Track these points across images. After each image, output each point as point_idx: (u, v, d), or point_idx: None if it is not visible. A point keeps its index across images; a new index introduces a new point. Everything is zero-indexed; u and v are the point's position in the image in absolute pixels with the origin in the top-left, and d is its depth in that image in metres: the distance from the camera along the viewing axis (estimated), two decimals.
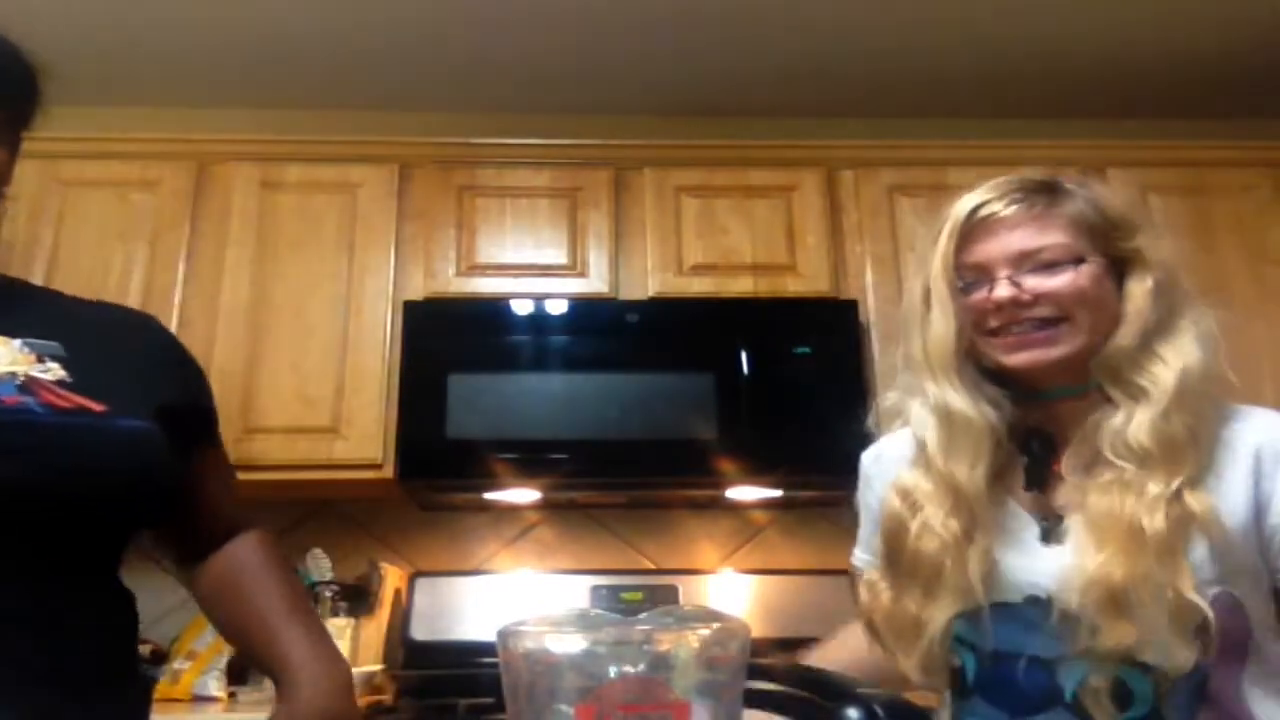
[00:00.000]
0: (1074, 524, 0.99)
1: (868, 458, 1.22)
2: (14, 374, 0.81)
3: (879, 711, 0.60)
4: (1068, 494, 1.02)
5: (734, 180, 2.47)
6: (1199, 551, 0.93)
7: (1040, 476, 1.03)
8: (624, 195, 2.45)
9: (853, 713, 0.60)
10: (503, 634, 0.57)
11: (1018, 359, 1.02)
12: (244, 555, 0.99)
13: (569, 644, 0.53)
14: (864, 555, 1.18)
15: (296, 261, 2.32)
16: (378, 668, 2.12)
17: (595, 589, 2.35)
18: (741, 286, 2.37)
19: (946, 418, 1.03)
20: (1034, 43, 2.58)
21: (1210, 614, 0.90)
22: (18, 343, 0.84)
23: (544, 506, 2.51)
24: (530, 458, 2.18)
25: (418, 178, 2.44)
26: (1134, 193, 1.04)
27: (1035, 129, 2.77)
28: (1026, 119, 2.84)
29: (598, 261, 2.39)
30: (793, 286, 2.38)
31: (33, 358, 0.84)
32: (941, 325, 1.04)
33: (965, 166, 2.48)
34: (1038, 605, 0.98)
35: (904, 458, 1.10)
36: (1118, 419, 0.99)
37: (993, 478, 1.02)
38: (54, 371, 0.83)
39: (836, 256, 2.41)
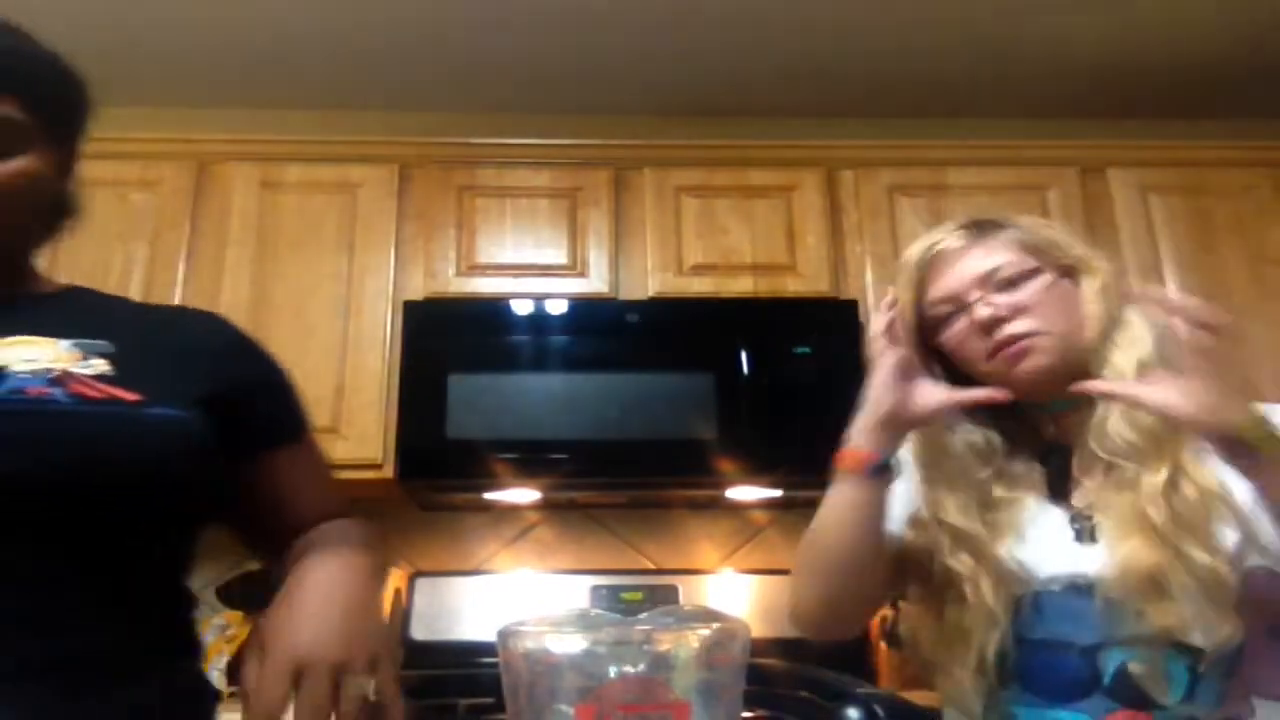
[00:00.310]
0: (1102, 521, 1.03)
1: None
2: (50, 369, 0.80)
3: (879, 711, 0.60)
4: (1088, 497, 1.06)
5: (734, 180, 2.47)
6: (1223, 527, 0.97)
7: (1062, 487, 1.08)
8: (624, 195, 2.45)
9: (853, 713, 0.60)
10: (503, 634, 0.57)
11: (1024, 369, 1.06)
12: (325, 527, 0.94)
13: (569, 644, 0.53)
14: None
15: (296, 261, 2.32)
16: None
17: (595, 589, 2.35)
18: (741, 286, 2.37)
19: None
20: (1034, 43, 2.58)
21: (1234, 585, 0.94)
22: (66, 343, 0.84)
23: (544, 506, 2.51)
24: (530, 458, 2.18)
25: (418, 178, 2.44)
26: (1071, 224, 1.10)
27: (1035, 129, 2.77)
28: (1026, 119, 2.84)
29: (598, 261, 2.39)
30: (793, 286, 2.38)
31: (78, 355, 0.83)
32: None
33: (965, 166, 2.49)
34: (1079, 593, 1.00)
35: None
36: (1097, 418, 1.05)
37: (1009, 484, 1.08)
38: (96, 367, 0.83)
39: (836, 256, 2.41)
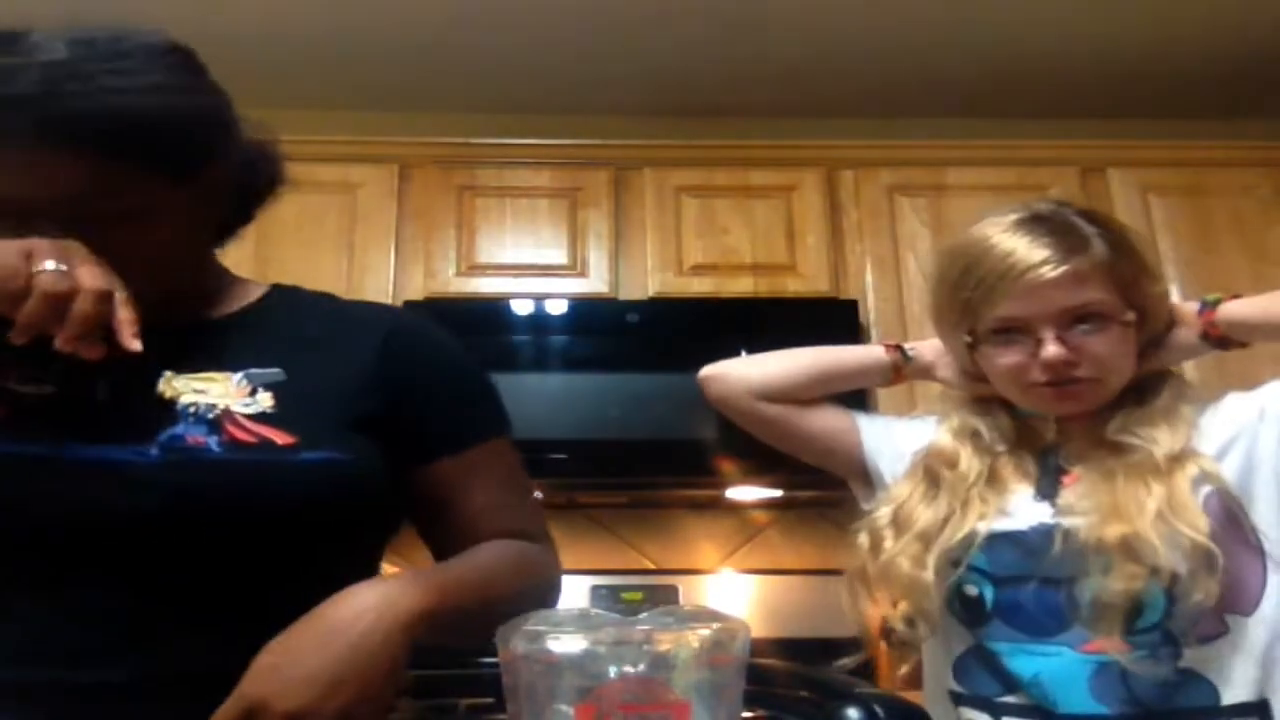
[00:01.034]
0: (1083, 517, 1.05)
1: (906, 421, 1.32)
2: (214, 406, 0.81)
3: (879, 711, 0.60)
4: (1073, 498, 1.08)
5: (734, 180, 2.47)
6: (1211, 502, 1.02)
7: (1051, 489, 1.10)
8: (624, 195, 2.45)
9: (853, 713, 0.60)
10: (503, 634, 0.57)
11: (1062, 409, 1.10)
12: (469, 552, 0.88)
13: (569, 644, 0.53)
14: (865, 420, 1.29)
15: (296, 261, 2.32)
16: None
17: (595, 589, 2.35)
18: (741, 286, 2.37)
19: (960, 432, 1.16)
20: (1034, 43, 2.58)
21: (1219, 555, 0.96)
22: (238, 376, 0.83)
23: (544, 506, 2.51)
24: (530, 458, 2.15)
25: (418, 178, 2.44)
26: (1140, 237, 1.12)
27: (1035, 129, 2.77)
28: (1026, 119, 2.84)
29: (598, 261, 2.39)
30: (793, 286, 2.38)
31: (246, 389, 0.83)
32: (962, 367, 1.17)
33: (965, 166, 2.49)
34: (1045, 533, 1.04)
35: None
36: (1100, 430, 1.09)
37: (1000, 478, 1.12)
38: (261, 403, 0.82)
39: (836, 256, 2.41)
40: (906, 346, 1.25)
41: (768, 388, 1.28)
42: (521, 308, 2.29)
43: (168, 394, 0.81)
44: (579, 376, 2.25)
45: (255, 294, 0.96)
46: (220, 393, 0.82)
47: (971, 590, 1.08)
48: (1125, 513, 1.00)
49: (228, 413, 0.80)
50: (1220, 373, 2.31)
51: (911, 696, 1.14)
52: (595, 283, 2.37)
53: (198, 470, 0.78)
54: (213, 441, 0.79)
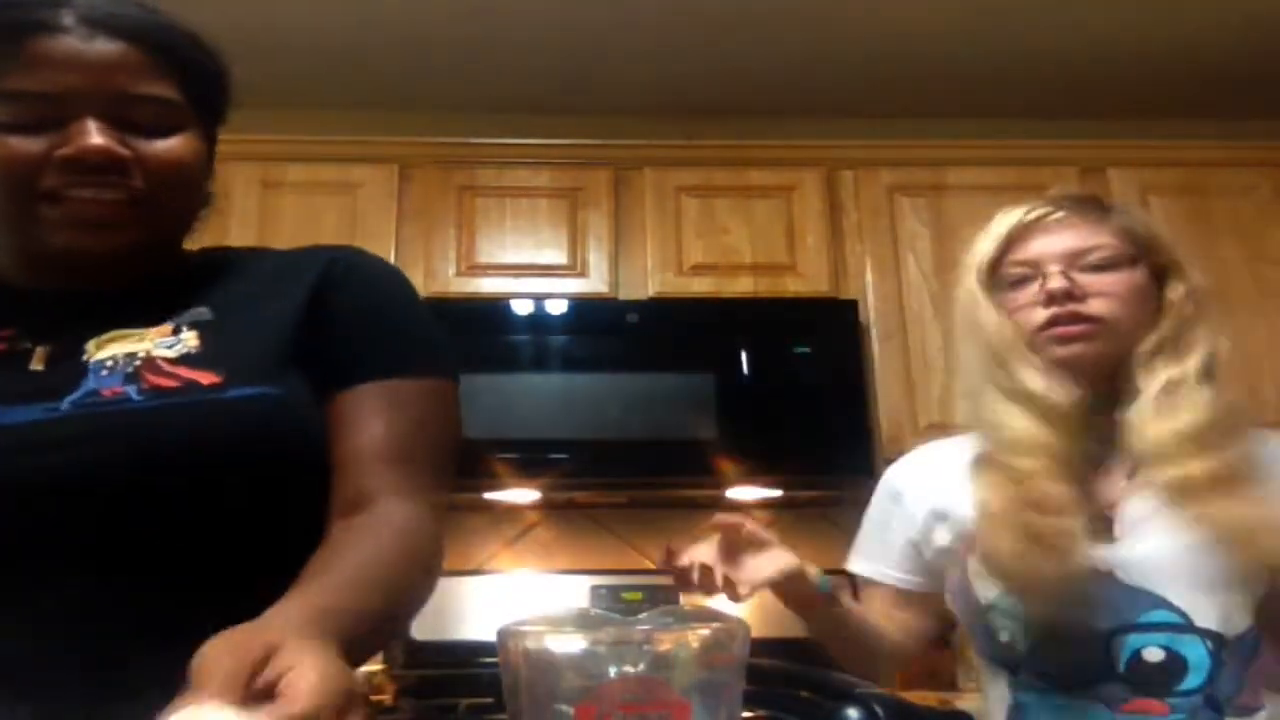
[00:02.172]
0: (1121, 521, 1.02)
1: (898, 472, 1.23)
2: (133, 355, 0.77)
3: (879, 711, 0.60)
4: (1107, 496, 1.05)
5: (734, 180, 2.47)
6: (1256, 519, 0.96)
7: (1086, 483, 1.05)
8: (624, 195, 2.45)
9: (853, 713, 0.60)
10: (503, 634, 0.57)
11: (1066, 351, 1.05)
12: (353, 531, 0.74)
13: (569, 644, 0.53)
14: (868, 564, 1.21)
15: None
16: (378, 667, 2.12)
17: (595, 589, 2.35)
18: (741, 286, 2.37)
19: (1029, 400, 1.04)
20: (1034, 43, 2.58)
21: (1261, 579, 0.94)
22: (168, 322, 0.81)
23: (544, 506, 2.51)
24: (530, 458, 2.18)
25: (418, 178, 2.44)
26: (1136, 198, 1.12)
27: (1035, 129, 2.77)
28: (1026, 119, 2.84)
29: (598, 261, 2.39)
30: (793, 286, 2.38)
31: (168, 329, 0.79)
32: (996, 317, 1.08)
33: (965, 166, 2.49)
34: (1095, 578, 0.99)
35: (955, 462, 1.13)
36: (1129, 419, 1.04)
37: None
38: (185, 343, 0.78)
39: (836, 256, 2.41)
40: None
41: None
42: (521, 308, 2.29)
43: (89, 358, 0.78)
44: (579, 376, 2.25)
45: (198, 258, 0.92)
46: (140, 340, 0.79)
47: (1001, 636, 1.04)
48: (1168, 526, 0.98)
49: (148, 361, 0.77)
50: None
51: (911, 696, 1.14)
52: (595, 283, 2.37)
53: (112, 419, 0.74)
54: (131, 391, 0.75)
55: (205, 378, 0.75)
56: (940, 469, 1.17)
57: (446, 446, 0.84)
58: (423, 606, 0.79)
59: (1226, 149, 2.53)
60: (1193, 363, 1.04)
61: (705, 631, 0.53)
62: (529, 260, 2.38)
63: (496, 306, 2.30)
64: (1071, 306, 1.04)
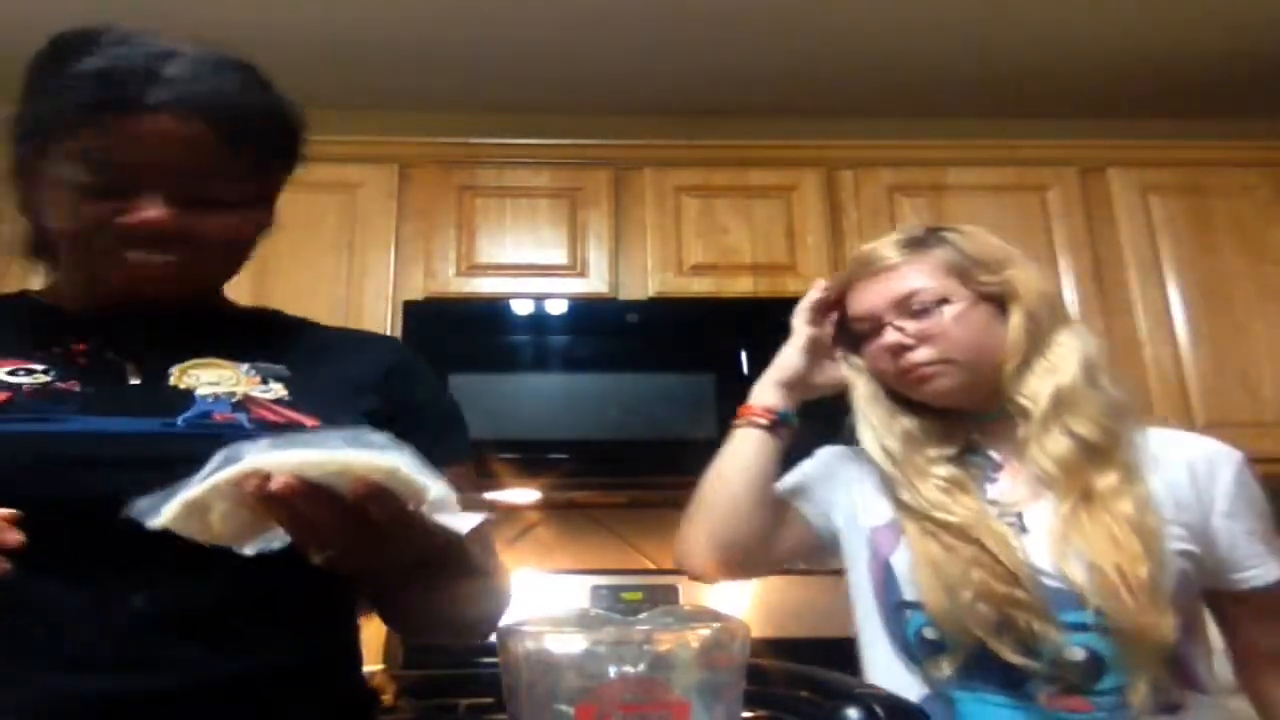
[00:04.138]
0: (1027, 515, 1.08)
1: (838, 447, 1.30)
2: (233, 393, 0.83)
3: (879, 711, 0.60)
4: (1009, 494, 1.11)
5: (734, 180, 2.47)
6: (1143, 536, 1.02)
7: (984, 487, 1.12)
8: (624, 195, 2.45)
9: (853, 713, 0.60)
10: (503, 634, 0.57)
11: (926, 391, 1.14)
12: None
13: (569, 644, 0.53)
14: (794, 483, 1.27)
15: (296, 261, 2.32)
16: (378, 667, 2.12)
17: (595, 589, 2.35)
18: (741, 286, 2.37)
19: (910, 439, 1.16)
20: (1034, 43, 2.58)
21: (1161, 588, 0.99)
22: (245, 366, 0.87)
23: (544, 506, 2.51)
24: (530, 458, 2.18)
25: (418, 178, 2.44)
26: (998, 240, 1.21)
27: (1035, 129, 2.77)
28: (1026, 119, 2.84)
29: (598, 261, 2.39)
30: (793, 286, 2.38)
31: (256, 379, 0.86)
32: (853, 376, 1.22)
33: (965, 166, 2.49)
34: (1019, 580, 1.02)
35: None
36: (1020, 436, 1.10)
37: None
38: (275, 391, 0.85)
39: (836, 256, 2.41)
40: (766, 405, 1.22)
41: (699, 558, 1.22)
42: (521, 308, 2.29)
43: (182, 385, 0.83)
44: (579, 376, 2.25)
45: (246, 307, 1.01)
46: (233, 382, 0.84)
47: (928, 633, 1.06)
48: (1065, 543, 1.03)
49: (249, 398, 0.83)
50: (1218, 369, 2.31)
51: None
52: (595, 283, 2.37)
53: (231, 440, 0.77)
54: (243, 418, 0.80)
55: (307, 420, 0.83)
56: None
57: (490, 512, 0.98)
58: (474, 626, 0.93)
59: (1226, 149, 2.53)
60: (1071, 371, 1.09)
61: (705, 631, 0.53)
62: (529, 260, 2.38)
63: (496, 306, 2.30)
64: (908, 358, 1.12)
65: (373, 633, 2.23)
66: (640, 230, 2.42)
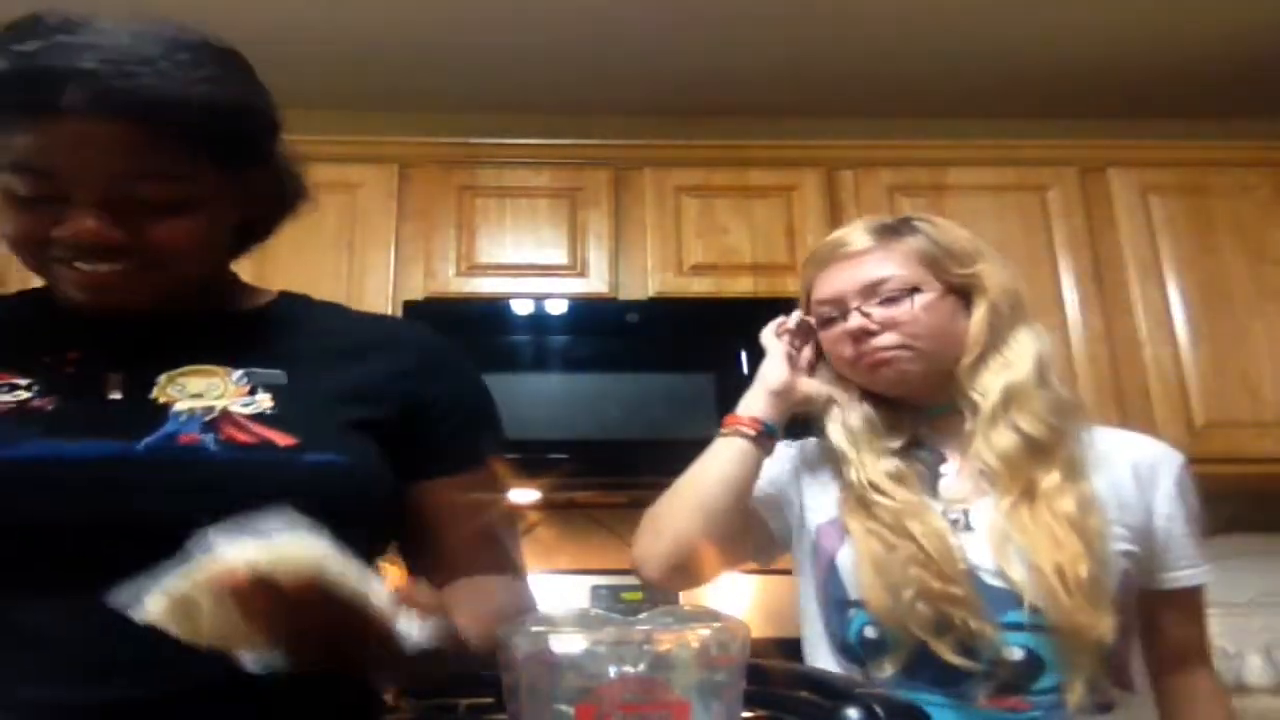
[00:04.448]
0: (973, 513, 1.08)
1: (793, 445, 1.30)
2: (211, 408, 0.79)
3: (879, 711, 0.60)
4: (956, 491, 1.11)
5: (734, 180, 2.47)
6: (1083, 534, 1.02)
7: (932, 483, 1.12)
8: (624, 195, 2.45)
9: (853, 713, 0.60)
10: (503, 634, 0.57)
11: (879, 378, 1.14)
12: (462, 591, 0.87)
13: (569, 644, 0.53)
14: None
15: (296, 261, 2.31)
16: None
17: (595, 589, 2.35)
18: (741, 286, 2.37)
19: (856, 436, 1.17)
20: (1034, 43, 2.58)
21: (1101, 587, 1.00)
22: (238, 374, 0.82)
23: (544, 506, 2.51)
24: (530, 458, 2.17)
25: (418, 178, 2.44)
26: (967, 232, 1.21)
27: (1035, 129, 2.77)
28: (1026, 119, 2.84)
29: (598, 261, 2.39)
30: (793, 286, 2.35)
31: (245, 389, 0.81)
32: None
33: (965, 166, 2.49)
34: (961, 578, 1.03)
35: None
36: (966, 431, 1.11)
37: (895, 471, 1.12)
38: (260, 404, 0.80)
39: None
40: (754, 415, 1.20)
41: (664, 563, 1.19)
42: (521, 308, 2.29)
43: (161, 399, 0.79)
44: (579, 376, 2.25)
45: (263, 299, 0.95)
46: (217, 393, 0.80)
47: (872, 636, 1.06)
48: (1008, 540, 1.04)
49: (225, 414, 0.79)
50: (1218, 369, 2.31)
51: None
52: (595, 283, 2.37)
53: (187, 468, 0.75)
54: (208, 440, 0.76)
55: (281, 439, 0.78)
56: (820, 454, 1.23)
57: (516, 514, 1.04)
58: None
59: (1226, 149, 2.53)
60: (1025, 369, 1.10)
61: (705, 631, 0.53)
62: (529, 260, 2.38)
63: (496, 306, 2.30)
64: (870, 343, 1.12)
65: None
66: (640, 230, 2.42)
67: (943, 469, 1.13)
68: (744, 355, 2.25)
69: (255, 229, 0.94)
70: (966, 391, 1.11)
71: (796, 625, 1.20)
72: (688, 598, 2.39)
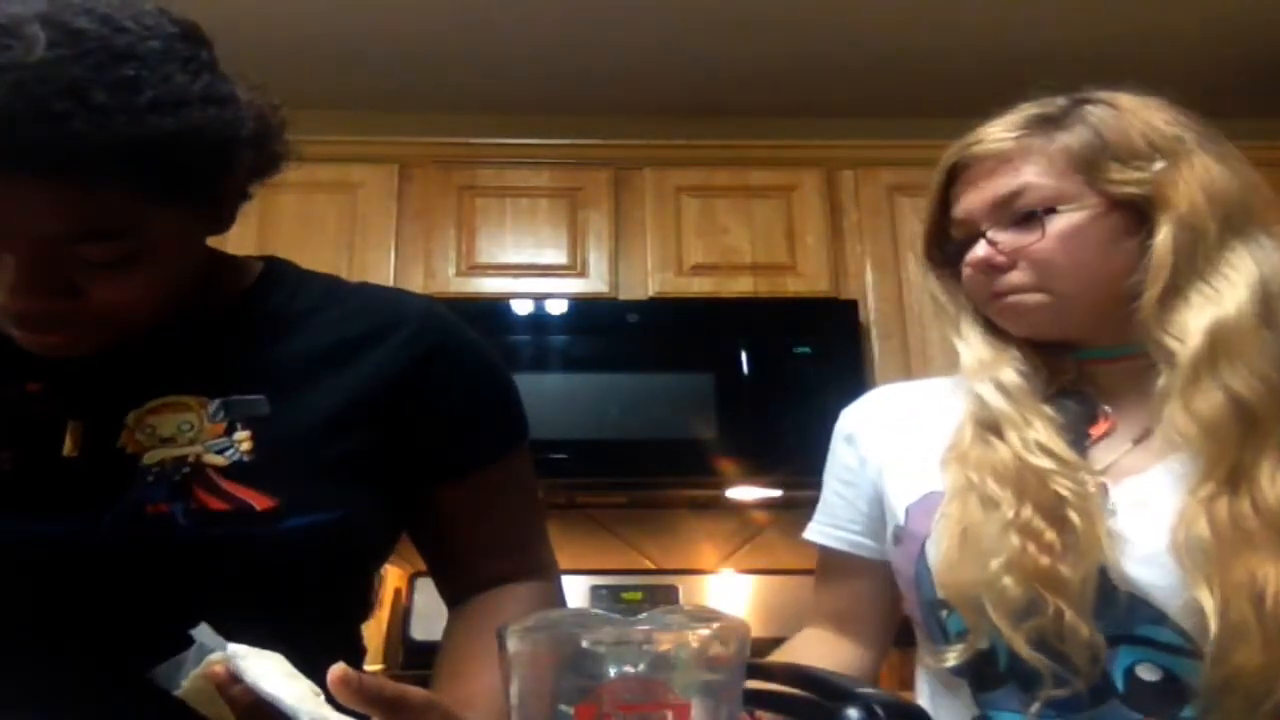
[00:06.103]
0: (1121, 498, 0.81)
1: (854, 414, 1.04)
2: (183, 459, 0.71)
3: (879, 711, 0.60)
4: (1106, 459, 0.84)
5: (734, 180, 2.47)
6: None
7: (1076, 443, 0.84)
8: (624, 195, 2.45)
9: (853, 713, 0.60)
10: (502, 634, 0.57)
11: (1020, 326, 0.88)
12: (485, 620, 0.79)
13: (569, 644, 0.53)
14: (833, 529, 1.00)
15: (296, 261, 2.32)
16: (378, 668, 2.12)
17: (595, 589, 2.35)
18: (741, 286, 2.37)
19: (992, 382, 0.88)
20: (1034, 43, 2.58)
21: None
22: (214, 405, 0.74)
23: (544, 506, 2.51)
24: (530, 458, 2.17)
25: (418, 178, 2.44)
26: (1167, 115, 0.94)
27: None
28: None
29: (598, 261, 2.39)
30: (792, 286, 2.38)
31: (221, 426, 0.73)
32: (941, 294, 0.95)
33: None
34: (1087, 581, 0.78)
35: (919, 405, 0.96)
36: (1155, 390, 0.81)
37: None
38: (238, 446, 0.73)
39: (836, 256, 2.41)
40: None
41: None
42: (521, 308, 2.29)
43: (130, 448, 0.72)
44: (579, 376, 2.25)
45: (246, 280, 0.85)
46: (190, 434, 0.73)
47: (980, 645, 0.81)
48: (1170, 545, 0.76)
49: (198, 469, 0.71)
50: None
51: (912, 697, 1.13)
52: (595, 283, 2.37)
53: (156, 547, 0.69)
54: (178, 511, 0.69)
55: (260, 500, 0.71)
56: (899, 411, 0.98)
57: (541, 506, 0.96)
58: None
59: None
60: (1237, 298, 0.79)
61: (705, 631, 0.53)
62: (529, 260, 2.38)
63: (496, 306, 2.30)
64: (1000, 280, 0.87)
65: (373, 632, 2.23)
66: (640, 230, 2.42)
67: (1094, 431, 0.85)
68: (744, 355, 2.26)
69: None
70: (1154, 333, 0.81)
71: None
72: (688, 598, 2.39)
